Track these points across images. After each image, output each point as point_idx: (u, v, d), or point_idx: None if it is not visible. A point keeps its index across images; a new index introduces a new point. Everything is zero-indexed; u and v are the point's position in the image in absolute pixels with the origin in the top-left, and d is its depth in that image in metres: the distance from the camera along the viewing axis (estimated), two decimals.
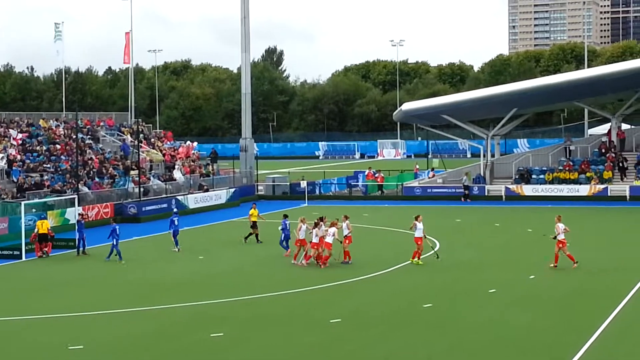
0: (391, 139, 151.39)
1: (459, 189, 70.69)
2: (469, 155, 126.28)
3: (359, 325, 26.54)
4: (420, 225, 36.89)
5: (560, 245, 35.38)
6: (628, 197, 64.91)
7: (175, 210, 47.33)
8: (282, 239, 41.19)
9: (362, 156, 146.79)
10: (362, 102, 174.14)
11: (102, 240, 43.08)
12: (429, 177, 76.27)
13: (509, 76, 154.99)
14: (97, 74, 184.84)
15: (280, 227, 41.55)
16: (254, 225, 46.09)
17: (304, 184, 72.49)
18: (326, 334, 25.53)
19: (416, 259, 37.06)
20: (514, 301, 29.49)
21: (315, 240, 36.97)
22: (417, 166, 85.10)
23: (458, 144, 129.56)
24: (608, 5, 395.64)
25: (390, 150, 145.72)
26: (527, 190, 68.56)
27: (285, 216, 42.37)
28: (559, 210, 56.86)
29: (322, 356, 23.29)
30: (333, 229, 37.04)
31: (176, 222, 43.06)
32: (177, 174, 68.09)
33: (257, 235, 45.81)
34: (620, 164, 69.22)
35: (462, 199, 68.14)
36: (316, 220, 37.59)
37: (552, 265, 35.57)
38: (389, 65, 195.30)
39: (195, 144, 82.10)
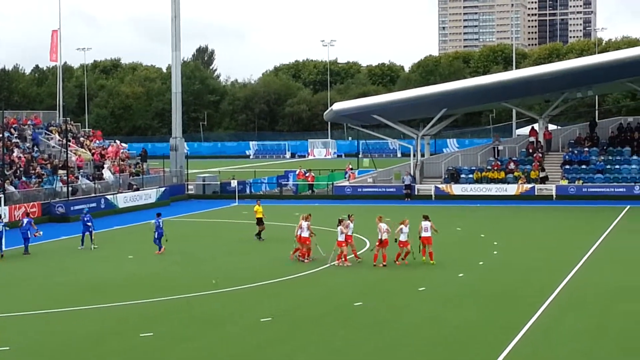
0: (322, 139, 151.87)
1: (389, 188, 71.23)
2: (399, 155, 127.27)
3: (291, 325, 26.39)
4: (405, 229, 36.59)
5: (378, 244, 36.06)
6: (554, 197, 65.93)
7: (86, 210, 46.42)
8: (156, 237, 41.48)
9: (292, 155, 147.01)
10: (293, 102, 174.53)
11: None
12: (349, 177, 76.64)
13: (439, 76, 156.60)
14: (24, 72, 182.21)
15: (153, 225, 41.76)
16: (259, 221, 46.02)
17: (234, 183, 72.18)
18: (257, 334, 25.30)
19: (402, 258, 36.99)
20: (443, 300, 29.60)
21: (340, 238, 36.88)
22: (350, 165, 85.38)
23: (388, 144, 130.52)
24: (535, 8, 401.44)
25: (320, 150, 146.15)
26: (456, 189, 69.27)
27: (159, 214, 42.46)
28: (488, 209, 57.55)
29: (252, 357, 23.11)
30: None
31: (90, 223, 42.96)
32: (106, 173, 67.37)
33: (260, 232, 45.85)
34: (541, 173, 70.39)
35: (405, 198, 68.53)
36: (340, 218, 37.51)
37: (381, 265, 36.08)
38: (319, 65, 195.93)
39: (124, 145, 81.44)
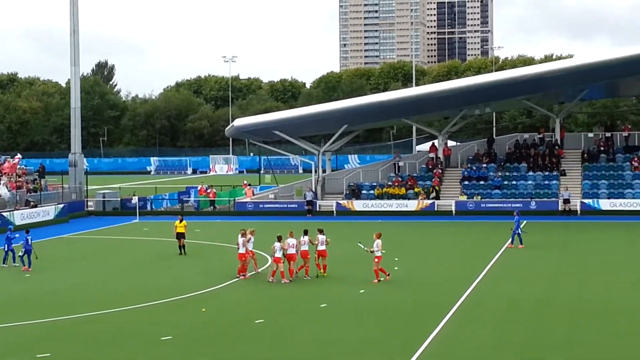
0: (223, 155, 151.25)
1: (291, 204, 71.30)
2: (300, 171, 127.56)
3: (190, 343, 26.07)
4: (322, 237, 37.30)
5: (376, 260, 36.08)
6: (454, 212, 66.83)
7: (10, 227, 45.48)
8: (22, 253, 41.13)
9: (194, 171, 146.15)
10: (195, 118, 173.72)
11: None
12: (246, 193, 76.51)
13: (340, 93, 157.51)
14: None
15: (19, 242, 41.71)
16: (179, 236, 46.10)
17: (135, 199, 71.38)
18: (153, 353, 24.92)
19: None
20: (344, 316, 29.65)
21: (278, 254, 36.52)
22: (245, 181, 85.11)
23: (290, 160, 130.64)
24: (434, 26, 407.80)
25: (222, 166, 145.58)
26: (358, 205, 69.68)
27: (27, 231, 42.09)
28: (389, 225, 57.89)
29: None
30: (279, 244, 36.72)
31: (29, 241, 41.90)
32: (2, 190, 65.81)
33: (181, 247, 45.95)
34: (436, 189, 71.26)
35: (307, 214, 68.62)
36: (278, 235, 37.25)
37: (375, 281, 36.13)
38: (221, 80, 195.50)
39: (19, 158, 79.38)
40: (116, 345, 25.94)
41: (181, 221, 46.59)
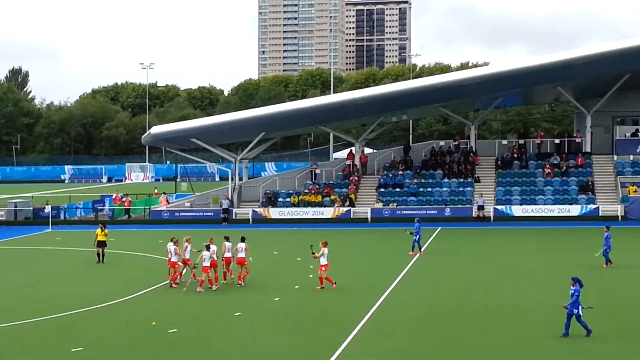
0: (139, 163, 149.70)
1: (207, 212, 71.06)
2: (217, 179, 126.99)
3: (100, 355, 25.74)
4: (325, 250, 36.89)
5: (323, 269, 36.27)
6: (370, 219, 67.26)
7: None
8: None
9: (109, 180, 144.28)
10: (111, 125, 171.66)
11: None
12: (161, 201, 76.03)
13: (259, 100, 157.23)
14: None
15: None
16: (99, 244, 45.96)
17: (48, 208, 70.39)
18: None
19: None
20: (258, 324, 29.63)
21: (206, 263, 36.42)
22: (156, 190, 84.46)
23: (207, 168, 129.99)
24: (353, 34, 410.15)
25: (138, 174, 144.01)
26: (274, 213, 69.75)
27: None
28: (305, 232, 57.91)
29: None
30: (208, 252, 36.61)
31: None
32: None
33: (101, 255, 45.82)
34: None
35: (223, 222, 68.45)
36: (206, 244, 37.13)
37: (318, 288, 36.31)
38: (138, 88, 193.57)
39: None
40: (25, 357, 25.54)
41: (103, 229, 46.30)
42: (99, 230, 46.41)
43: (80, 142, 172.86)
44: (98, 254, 45.95)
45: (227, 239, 38.42)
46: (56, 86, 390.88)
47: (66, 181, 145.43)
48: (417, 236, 47.30)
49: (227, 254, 37.74)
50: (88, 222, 70.75)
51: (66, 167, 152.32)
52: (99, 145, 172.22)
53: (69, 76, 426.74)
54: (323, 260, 36.50)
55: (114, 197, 78.13)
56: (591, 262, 41.93)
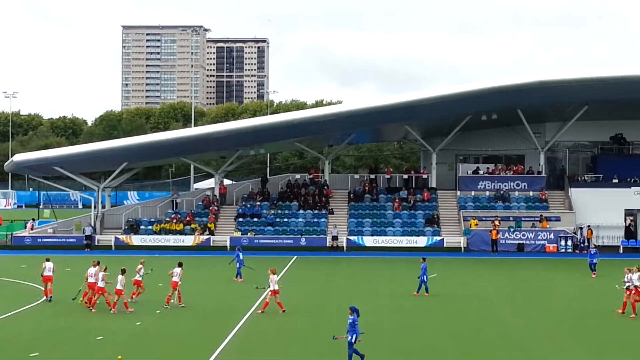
0: (2, 189, 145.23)
1: (69, 239, 69.71)
2: (80, 206, 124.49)
3: None
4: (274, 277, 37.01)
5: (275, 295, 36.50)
6: (229, 247, 66.97)
7: None
8: None
9: None
10: None
11: None
12: (28, 227, 74.32)
13: (121, 131, 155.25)
14: None
15: None
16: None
17: None
18: None
19: None
20: (118, 348, 29.05)
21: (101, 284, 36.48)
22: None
23: (70, 195, 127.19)
24: (214, 69, 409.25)
25: (0, 200, 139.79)
26: (136, 240, 69.02)
27: None
28: (166, 259, 57.23)
29: None
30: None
31: None
32: None
33: None
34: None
35: (86, 248, 67.20)
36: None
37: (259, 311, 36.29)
38: (1, 115, 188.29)
39: None
40: None
41: None
42: None
43: None
44: None
45: (95, 263, 37.80)
46: None
47: None
48: (425, 277, 42.43)
49: (91, 280, 37.08)
50: None
51: None
52: None
53: None
54: (273, 286, 36.57)
55: None
56: (407, 290, 42.70)
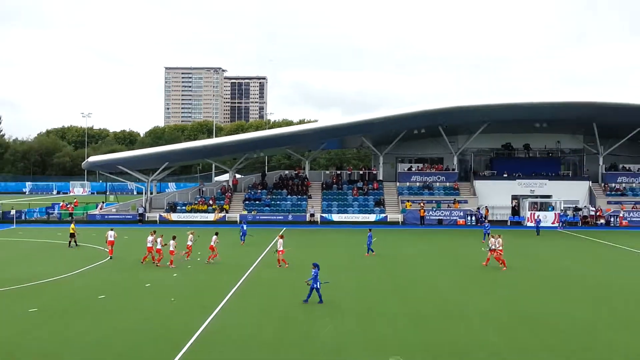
0: (80, 181, 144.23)
1: (127, 216, 69.37)
2: (135, 193, 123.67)
3: (50, 313, 24.57)
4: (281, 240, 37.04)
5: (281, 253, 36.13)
6: (239, 221, 66.74)
7: None
8: None
9: (58, 192, 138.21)
10: (59, 155, 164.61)
11: None
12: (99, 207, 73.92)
13: (164, 141, 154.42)
14: None
15: None
16: (72, 235, 45.66)
17: (13, 211, 67.00)
18: (25, 321, 23.19)
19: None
20: (163, 292, 28.88)
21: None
22: (76, 200, 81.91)
23: (128, 185, 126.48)
24: (229, 98, 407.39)
25: (79, 189, 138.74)
26: (174, 216, 68.71)
27: None
28: (195, 229, 56.93)
29: None
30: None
31: None
32: None
33: (70, 241, 45.29)
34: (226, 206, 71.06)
35: (139, 222, 66.99)
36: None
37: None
38: (80, 130, 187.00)
39: None
40: None
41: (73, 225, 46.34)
42: (72, 225, 46.18)
43: (38, 166, 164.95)
44: (69, 242, 45.52)
45: (173, 237, 37.51)
46: (20, 126, 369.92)
47: (27, 193, 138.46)
48: (370, 242, 41.92)
49: (158, 246, 36.93)
50: (42, 222, 67.73)
51: (27, 183, 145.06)
52: (50, 168, 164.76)
53: (29, 119, 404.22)
54: (280, 247, 36.50)
55: (61, 204, 75.01)
56: (361, 252, 42.79)
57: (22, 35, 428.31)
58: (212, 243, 38.21)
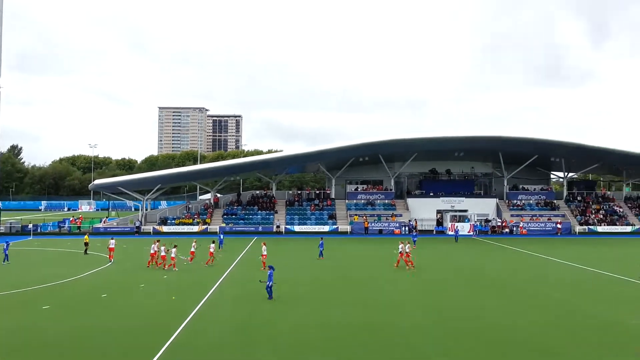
0: (87, 200, 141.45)
1: (126, 228, 68.35)
2: (133, 210, 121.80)
3: (62, 310, 24.21)
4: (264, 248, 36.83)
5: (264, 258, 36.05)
6: (218, 232, 66.18)
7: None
8: None
9: (68, 209, 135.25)
10: (70, 179, 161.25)
11: None
12: (102, 222, 72.63)
13: (158, 167, 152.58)
14: None
15: None
16: (86, 244, 45.17)
17: (30, 225, 65.47)
18: (39, 316, 22.89)
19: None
20: (153, 291, 28.65)
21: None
22: (73, 217, 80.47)
23: (127, 203, 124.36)
24: (211, 131, 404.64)
25: (86, 206, 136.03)
26: (165, 228, 67.97)
27: None
28: (182, 239, 56.16)
29: None
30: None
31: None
32: None
33: (86, 250, 44.37)
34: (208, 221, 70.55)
35: (135, 233, 65.93)
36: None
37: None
38: (87, 158, 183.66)
39: None
40: (14, 311, 23.76)
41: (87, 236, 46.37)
42: (86, 237, 46.10)
43: (52, 188, 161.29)
44: (85, 250, 44.78)
45: (175, 246, 37.23)
46: (37, 155, 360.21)
47: (42, 210, 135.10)
48: (321, 248, 41.49)
49: (163, 253, 36.80)
50: (54, 234, 66.32)
51: (42, 202, 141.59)
52: (62, 190, 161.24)
53: (45, 149, 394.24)
54: (264, 252, 36.42)
55: (71, 219, 73.58)
56: (313, 255, 42.85)
57: (41, 80, 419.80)
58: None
